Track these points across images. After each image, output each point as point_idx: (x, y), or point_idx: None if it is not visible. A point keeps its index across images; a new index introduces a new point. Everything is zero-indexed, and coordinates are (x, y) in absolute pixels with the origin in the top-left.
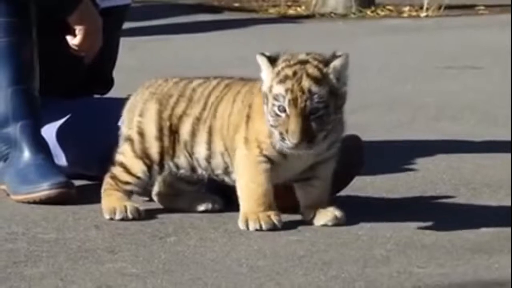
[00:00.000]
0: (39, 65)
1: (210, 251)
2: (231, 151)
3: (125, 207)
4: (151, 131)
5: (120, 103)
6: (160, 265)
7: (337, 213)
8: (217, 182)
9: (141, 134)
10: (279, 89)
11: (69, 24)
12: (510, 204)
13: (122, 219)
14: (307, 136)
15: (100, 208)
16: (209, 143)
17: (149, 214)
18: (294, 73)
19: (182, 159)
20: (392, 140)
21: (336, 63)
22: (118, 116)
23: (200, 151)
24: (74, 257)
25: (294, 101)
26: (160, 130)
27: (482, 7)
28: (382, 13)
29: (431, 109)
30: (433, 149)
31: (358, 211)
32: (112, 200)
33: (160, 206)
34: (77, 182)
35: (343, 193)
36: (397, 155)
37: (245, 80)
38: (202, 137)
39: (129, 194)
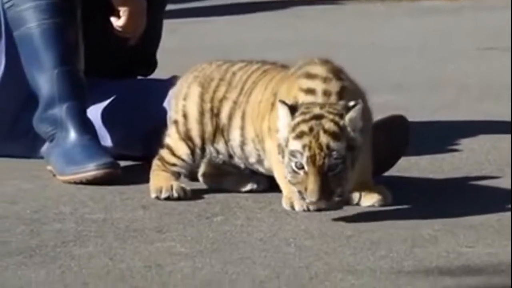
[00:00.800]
0: (84, 46)
1: (257, 230)
2: (261, 139)
3: (171, 186)
4: (194, 113)
5: (164, 84)
6: (208, 244)
7: (383, 194)
8: None
9: (185, 116)
10: (296, 145)
11: (113, 5)
12: None
13: (168, 198)
14: (325, 194)
15: (147, 189)
16: (242, 128)
17: (195, 194)
18: (311, 129)
19: (221, 145)
20: (436, 121)
21: (352, 114)
22: (162, 97)
23: (235, 137)
24: (122, 237)
25: (312, 158)
26: (202, 112)
27: None
28: None
29: (474, 90)
30: (477, 130)
31: (404, 191)
32: (159, 180)
33: (206, 187)
34: (122, 163)
35: (388, 173)
36: (441, 136)
37: (284, 67)
38: (236, 122)
39: (176, 175)
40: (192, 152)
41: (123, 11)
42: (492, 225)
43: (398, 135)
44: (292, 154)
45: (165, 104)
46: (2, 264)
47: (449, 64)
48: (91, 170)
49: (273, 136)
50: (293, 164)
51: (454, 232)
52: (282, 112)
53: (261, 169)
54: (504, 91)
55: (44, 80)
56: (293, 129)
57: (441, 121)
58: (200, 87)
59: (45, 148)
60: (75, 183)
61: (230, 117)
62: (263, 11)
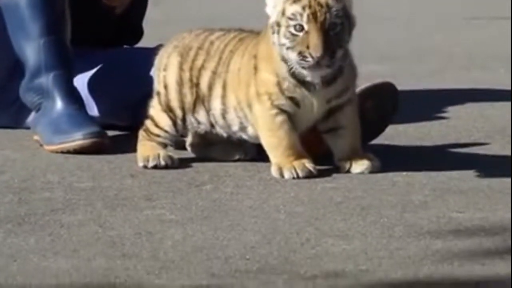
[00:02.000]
0: (70, 15)
1: (247, 198)
2: (245, 107)
3: (158, 155)
4: (173, 84)
5: (151, 53)
6: (198, 212)
7: (373, 161)
8: None
9: (166, 87)
10: (295, 8)
11: None
12: None
13: (155, 166)
14: (328, 49)
15: (134, 158)
16: (223, 97)
17: (184, 163)
18: None
19: (201, 114)
20: (423, 90)
21: None
22: (149, 65)
23: (216, 106)
24: (111, 205)
25: (313, 15)
26: (181, 83)
27: None
28: None
29: (461, 59)
30: (464, 98)
31: (392, 159)
32: (145, 149)
33: (194, 156)
34: (110, 132)
35: (376, 141)
36: (428, 104)
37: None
38: (217, 91)
39: (162, 144)
40: (174, 123)
41: None
42: (483, 190)
43: (387, 102)
44: (291, 17)
45: (152, 73)
46: None
47: (435, 33)
48: (78, 139)
49: (262, 99)
50: (292, 29)
51: (444, 197)
52: None
53: (244, 136)
54: (490, 60)
55: (31, 49)
56: None
57: (428, 89)
58: (179, 57)
59: (31, 117)
60: (62, 152)
61: (210, 87)
62: None
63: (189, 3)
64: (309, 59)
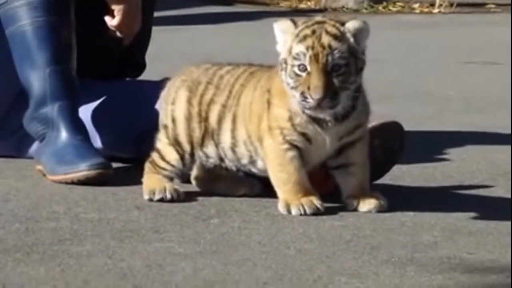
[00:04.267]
0: (77, 46)
1: (255, 233)
2: (255, 140)
3: (164, 188)
4: (181, 118)
5: (154, 86)
6: (207, 245)
7: (380, 200)
8: None
9: (174, 121)
10: (299, 47)
11: (108, 4)
12: None
13: (162, 200)
14: (329, 91)
15: (139, 190)
16: (233, 131)
17: (189, 197)
18: (313, 32)
19: (210, 148)
20: (423, 131)
21: (353, 23)
22: (152, 98)
23: (225, 139)
24: (119, 236)
25: (315, 57)
26: (190, 117)
27: (493, 5)
28: (394, 9)
29: (458, 102)
30: (465, 141)
31: (399, 198)
32: (152, 182)
33: (199, 189)
34: (113, 164)
35: (381, 181)
36: (430, 145)
37: (271, 67)
38: (227, 124)
39: (168, 178)
40: (182, 157)
41: (118, 9)
42: (491, 233)
43: (394, 141)
44: (295, 57)
45: (157, 106)
46: (0, 261)
47: (430, 77)
48: (83, 170)
49: (274, 134)
50: (296, 68)
51: (453, 238)
52: (285, 26)
53: (254, 170)
54: (487, 104)
55: (36, 78)
56: (297, 35)
57: (428, 131)
58: (187, 91)
59: (35, 147)
60: (67, 183)
61: (220, 121)
62: (237, 21)
63: (181, 40)
64: (310, 100)
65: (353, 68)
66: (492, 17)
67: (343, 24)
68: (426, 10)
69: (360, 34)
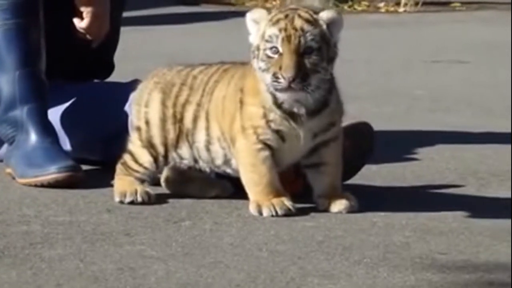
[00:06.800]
0: (46, 48)
1: (227, 235)
2: (229, 139)
3: (136, 190)
4: (156, 120)
5: (125, 87)
6: (178, 248)
7: (351, 201)
8: None
9: (147, 123)
10: (272, 30)
11: (77, 6)
12: None
13: (132, 202)
14: (301, 71)
15: (109, 192)
16: (207, 128)
17: (160, 199)
18: (286, 16)
19: (184, 150)
20: (391, 130)
21: (326, 13)
22: (122, 100)
23: (200, 138)
24: (90, 239)
25: (288, 38)
26: (164, 119)
27: (458, 4)
28: (360, 8)
29: (425, 101)
30: (433, 140)
31: (369, 199)
32: (123, 184)
33: (169, 192)
34: (83, 167)
35: (351, 181)
36: (399, 145)
37: (244, 64)
38: (201, 123)
39: (140, 180)
40: (155, 159)
41: (86, 12)
42: (463, 232)
43: (364, 142)
44: (268, 40)
45: (126, 107)
46: None
47: (396, 76)
48: (52, 173)
49: (247, 133)
50: (268, 51)
51: (425, 238)
52: (255, 15)
53: (228, 170)
54: (455, 102)
55: (5, 81)
56: (270, 19)
57: (397, 130)
58: (161, 93)
59: (4, 150)
60: (36, 186)
61: (195, 120)
62: (203, 21)
63: (147, 40)
64: (281, 80)
65: (325, 54)
66: (457, 16)
67: (316, 12)
68: (391, 9)
69: (333, 24)
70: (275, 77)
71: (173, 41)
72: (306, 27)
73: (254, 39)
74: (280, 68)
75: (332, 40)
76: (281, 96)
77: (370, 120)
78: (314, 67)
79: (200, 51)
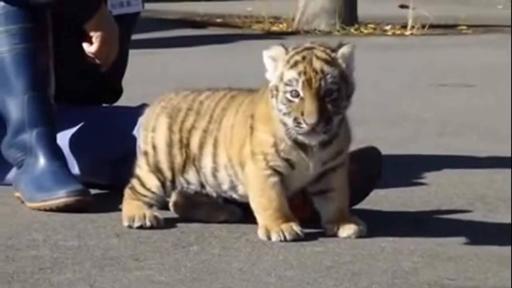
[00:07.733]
0: (55, 72)
1: (235, 260)
2: (236, 164)
3: (144, 215)
4: (162, 145)
5: (133, 112)
6: (187, 273)
7: (360, 225)
8: None
9: (154, 148)
10: (291, 73)
11: (86, 31)
12: None
13: (141, 227)
14: (323, 116)
15: (118, 217)
16: (214, 155)
17: (168, 223)
18: (304, 58)
19: (191, 174)
20: (398, 155)
21: (344, 49)
22: (130, 124)
23: (206, 164)
24: (100, 264)
25: (308, 82)
26: (171, 144)
27: (464, 27)
28: (366, 31)
29: (432, 124)
30: (441, 164)
31: (377, 224)
32: (131, 208)
33: (177, 216)
34: (91, 191)
35: (359, 206)
36: (407, 169)
37: (251, 91)
38: (208, 149)
39: (148, 204)
40: (163, 184)
41: (95, 36)
42: (471, 259)
43: (372, 166)
44: (287, 83)
45: (135, 132)
46: None
47: (403, 99)
48: (61, 197)
49: (256, 159)
50: (288, 95)
51: (433, 264)
52: (272, 53)
53: (234, 196)
54: (463, 127)
55: (14, 105)
56: (287, 61)
57: (404, 155)
58: (168, 118)
59: (12, 174)
60: (45, 210)
61: (201, 146)
62: (210, 44)
63: (154, 64)
64: (304, 125)
65: (344, 93)
66: (463, 39)
67: (333, 50)
68: (398, 32)
69: (351, 59)
70: (297, 122)
71: (181, 64)
72: (326, 68)
73: (271, 77)
74: (302, 113)
75: (350, 77)
76: (304, 140)
77: (377, 143)
78: (336, 109)
79: (207, 74)
